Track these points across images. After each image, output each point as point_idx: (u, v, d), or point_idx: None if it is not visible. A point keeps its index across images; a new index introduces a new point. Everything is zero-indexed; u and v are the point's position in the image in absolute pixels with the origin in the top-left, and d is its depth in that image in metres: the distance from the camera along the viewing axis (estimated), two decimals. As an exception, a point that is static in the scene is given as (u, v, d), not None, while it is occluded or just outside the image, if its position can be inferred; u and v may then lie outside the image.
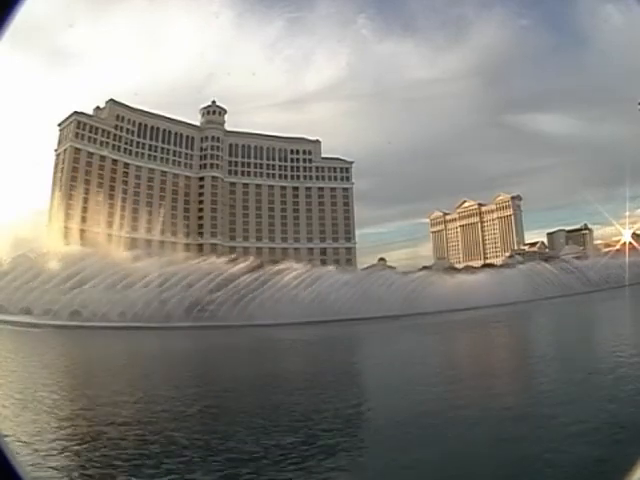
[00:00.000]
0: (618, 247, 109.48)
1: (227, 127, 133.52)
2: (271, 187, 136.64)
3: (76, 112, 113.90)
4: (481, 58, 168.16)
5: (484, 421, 13.51)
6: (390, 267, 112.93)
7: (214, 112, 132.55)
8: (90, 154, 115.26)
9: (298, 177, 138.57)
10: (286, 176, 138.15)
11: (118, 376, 24.59)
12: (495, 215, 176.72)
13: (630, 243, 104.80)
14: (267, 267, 72.42)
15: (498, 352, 29.92)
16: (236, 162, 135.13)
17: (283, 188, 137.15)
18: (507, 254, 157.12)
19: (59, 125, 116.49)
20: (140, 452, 12.16)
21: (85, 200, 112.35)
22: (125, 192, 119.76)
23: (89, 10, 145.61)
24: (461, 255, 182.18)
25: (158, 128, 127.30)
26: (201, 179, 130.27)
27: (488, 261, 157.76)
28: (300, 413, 15.19)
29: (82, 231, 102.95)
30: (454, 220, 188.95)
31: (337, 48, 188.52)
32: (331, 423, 14.03)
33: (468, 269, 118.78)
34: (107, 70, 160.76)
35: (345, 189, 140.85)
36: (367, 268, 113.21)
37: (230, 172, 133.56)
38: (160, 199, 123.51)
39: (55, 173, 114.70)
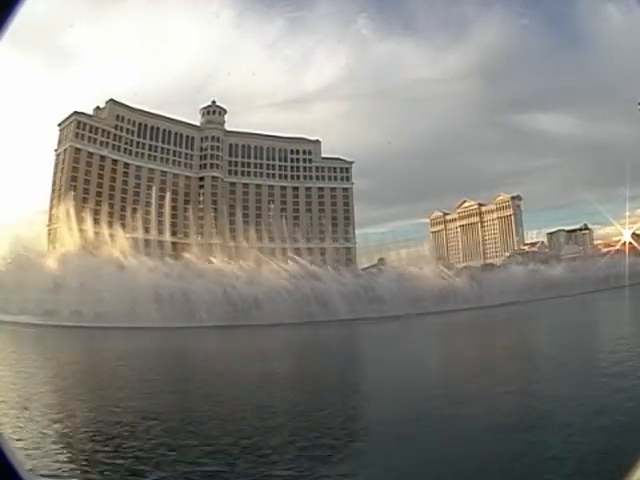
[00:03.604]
0: (618, 247, 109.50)
1: (227, 127, 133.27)
2: (271, 187, 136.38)
3: (76, 112, 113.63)
4: (482, 58, 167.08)
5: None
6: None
7: (214, 112, 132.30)
8: (90, 154, 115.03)
9: (298, 177, 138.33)
10: (286, 176, 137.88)
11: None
12: (495, 215, 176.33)
13: (630, 243, 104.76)
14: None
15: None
16: (236, 162, 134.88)
17: (283, 188, 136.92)
18: (507, 254, 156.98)
19: (59, 125, 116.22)
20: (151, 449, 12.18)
21: (85, 200, 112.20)
22: (125, 192, 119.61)
23: (89, 10, 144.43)
24: (461, 255, 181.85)
25: (158, 128, 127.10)
26: (201, 179, 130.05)
27: (488, 261, 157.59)
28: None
29: (82, 231, 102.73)
30: (454, 220, 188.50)
31: (337, 48, 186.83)
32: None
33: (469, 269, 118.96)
34: (107, 70, 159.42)
35: (345, 189, 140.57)
36: (367, 268, 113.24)
37: (230, 172, 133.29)
38: (160, 199, 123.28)
39: (55, 173, 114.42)
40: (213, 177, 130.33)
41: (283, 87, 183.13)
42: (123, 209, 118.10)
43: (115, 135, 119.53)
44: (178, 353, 38.09)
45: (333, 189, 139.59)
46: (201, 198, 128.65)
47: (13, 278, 65.97)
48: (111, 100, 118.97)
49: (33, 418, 15.12)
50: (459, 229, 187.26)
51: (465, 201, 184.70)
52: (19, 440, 12.15)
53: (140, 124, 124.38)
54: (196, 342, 46.12)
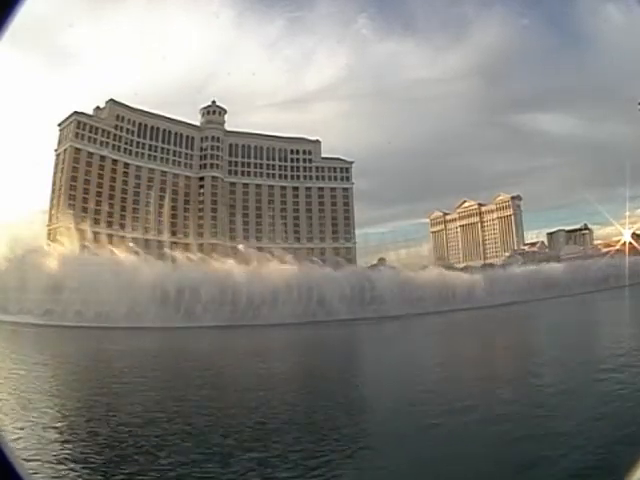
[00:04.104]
0: (618, 247, 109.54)
1: (227, 127, 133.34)
2: (271, 187, 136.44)
3: (76, 112, 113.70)
4: (481, 58, 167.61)
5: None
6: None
7: (214, 112, 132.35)
8: (90, 154, 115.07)
9: (298, 177, 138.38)
10: (286, 176, 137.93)
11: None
12: (495, 215, 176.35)
13: (630, 243, 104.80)
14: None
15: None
16: (236, 162, 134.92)
17: (283, 188, 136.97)
18: (507, 254, 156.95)
19: (59, 125, 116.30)
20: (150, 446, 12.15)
21: (85, 200, 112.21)
22: (125, 192, 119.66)
23: (89, 10, 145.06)
24: (461, 255, 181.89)
25: (158, 128, 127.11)
26: (201, 179, 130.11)
27: (488, 261, 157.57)
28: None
29: (82, 231, 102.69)
30: (454, 220, 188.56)
31: (337, 48, 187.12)
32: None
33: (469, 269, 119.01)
34: (107, 70, 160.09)
35: (345, 189, 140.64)
36: (367, 268, 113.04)
37: (230, 172, 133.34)
38: (160, 199, 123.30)
39: (55, 173, 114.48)
40: (213, 177, 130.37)
41: (283, 87, 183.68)
42: (123, 209, 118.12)
43: (115, 135, 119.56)
44: (178, 353, 38.05)
45: (333, 189, 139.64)
46: (201, 198, 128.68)
47: (13, 278, 65.94)
48: (111, 100, 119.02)
49: (33, 419, 15.11)
50: (459, 229, 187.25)
51: (465, 201, 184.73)
52: (19, 441, 12.15)
53: (140, 124, 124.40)
54: (196, 342, 46.12)
